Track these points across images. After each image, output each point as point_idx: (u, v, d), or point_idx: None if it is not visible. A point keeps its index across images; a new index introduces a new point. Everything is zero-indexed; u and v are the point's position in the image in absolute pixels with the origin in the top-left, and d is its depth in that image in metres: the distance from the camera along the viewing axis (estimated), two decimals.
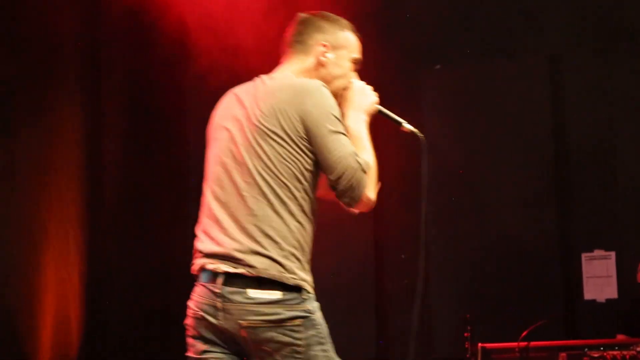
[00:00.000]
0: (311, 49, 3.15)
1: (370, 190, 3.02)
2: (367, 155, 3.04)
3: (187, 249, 3.21)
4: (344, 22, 3.24)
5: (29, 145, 6.53)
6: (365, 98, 3.19)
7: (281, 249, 2.91)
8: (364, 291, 6.91)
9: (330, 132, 2.96)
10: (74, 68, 6.66)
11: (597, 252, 6.70)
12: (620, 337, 6.01)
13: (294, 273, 2.91)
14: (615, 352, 5.38)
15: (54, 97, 6.61)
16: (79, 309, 6.52)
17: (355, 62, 3.24)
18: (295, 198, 2.96)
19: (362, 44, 3.28)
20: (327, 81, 3.10)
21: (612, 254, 6.68)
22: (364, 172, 2.99)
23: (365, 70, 3.33)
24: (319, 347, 2.92)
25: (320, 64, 3.15)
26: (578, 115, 6.75)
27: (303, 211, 2.97)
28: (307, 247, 3.00)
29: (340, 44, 3.19)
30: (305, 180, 2.98)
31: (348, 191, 2.97)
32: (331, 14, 3.24)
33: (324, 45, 3.15)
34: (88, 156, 6.65)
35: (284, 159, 2.95)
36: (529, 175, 6.72)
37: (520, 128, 6.80)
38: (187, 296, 3.07)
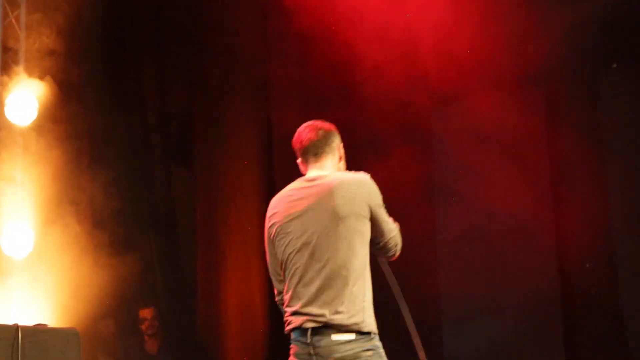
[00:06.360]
0: (336, 150, 4.03)
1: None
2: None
3: None
4: None
5: (208, 172, 6.81)
6: None
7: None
8: (550, 300, 6.75)
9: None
10: (247, 102, 6.87)
11: None
12: None
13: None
14: None
15: (228, 127, 6.86)
16: (264, 326, 6.79)
17: None
18: None
19: None
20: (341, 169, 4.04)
21: None
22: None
23: None
24: None
25: (340, 160, 4.05)
26: None
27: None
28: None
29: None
30: None
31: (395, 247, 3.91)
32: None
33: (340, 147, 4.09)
34: (263, 180, 6.86)
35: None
36: None
37: None
38: None
